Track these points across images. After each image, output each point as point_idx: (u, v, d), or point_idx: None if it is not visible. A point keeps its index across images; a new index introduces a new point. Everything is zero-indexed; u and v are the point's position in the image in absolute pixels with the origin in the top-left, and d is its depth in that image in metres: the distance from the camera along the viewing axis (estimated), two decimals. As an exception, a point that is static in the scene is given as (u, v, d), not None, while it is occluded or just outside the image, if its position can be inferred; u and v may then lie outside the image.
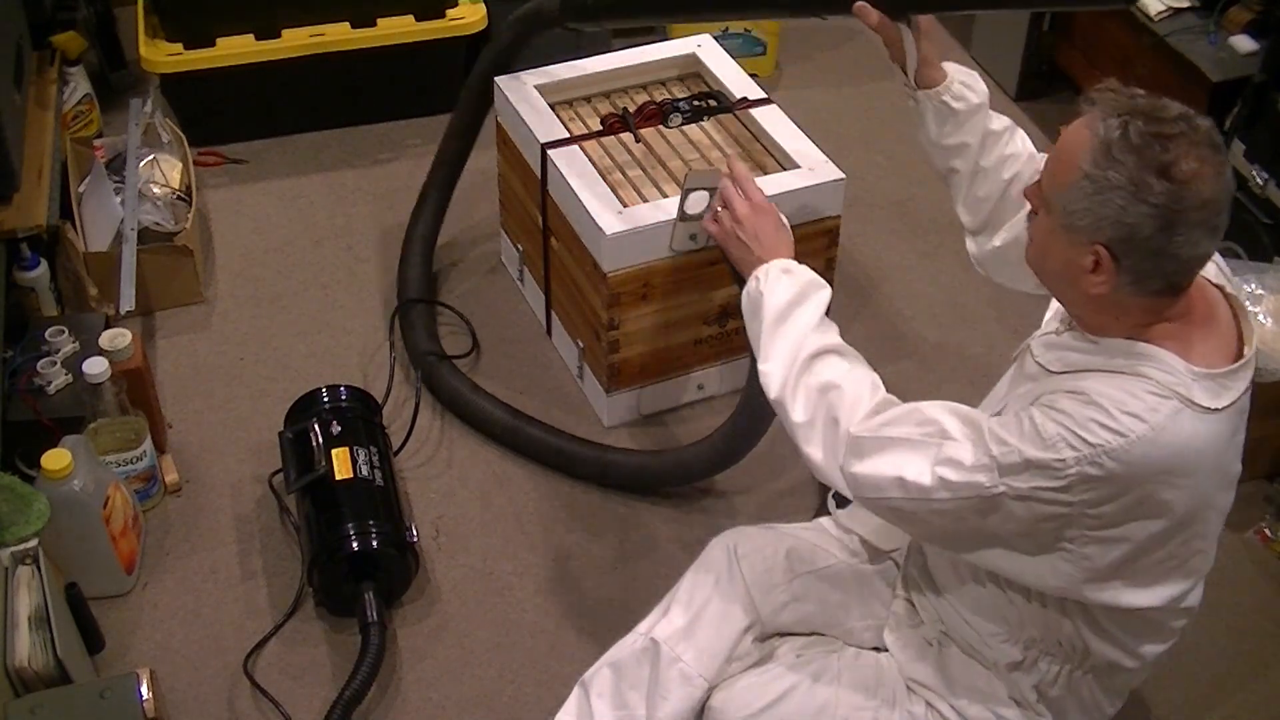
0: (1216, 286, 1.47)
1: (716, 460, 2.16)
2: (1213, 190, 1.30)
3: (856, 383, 1.55)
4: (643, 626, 1.72)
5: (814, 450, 1.54)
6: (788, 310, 1.65)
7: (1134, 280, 1.34)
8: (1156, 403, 1.34)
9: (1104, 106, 1.34)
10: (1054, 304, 1.60)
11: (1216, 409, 1.36)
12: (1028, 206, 1.49)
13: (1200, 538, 1.45)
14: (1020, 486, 1.36)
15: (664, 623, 1.69)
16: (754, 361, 1.70)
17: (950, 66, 1.80)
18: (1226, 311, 1.44)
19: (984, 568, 1.54)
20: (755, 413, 1.99)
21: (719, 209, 1.83)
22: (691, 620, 1.68)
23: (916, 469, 1.41)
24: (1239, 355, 1.40)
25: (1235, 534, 2.28)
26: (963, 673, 1.63)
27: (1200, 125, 1.32)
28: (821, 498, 2.29)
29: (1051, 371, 1.46)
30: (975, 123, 1.76)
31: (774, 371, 1.60)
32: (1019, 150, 1.77)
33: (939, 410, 1.45)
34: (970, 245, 1.84)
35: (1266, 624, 2.16)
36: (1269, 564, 2.25)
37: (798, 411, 1.56)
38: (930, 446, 1.42)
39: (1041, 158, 1.74)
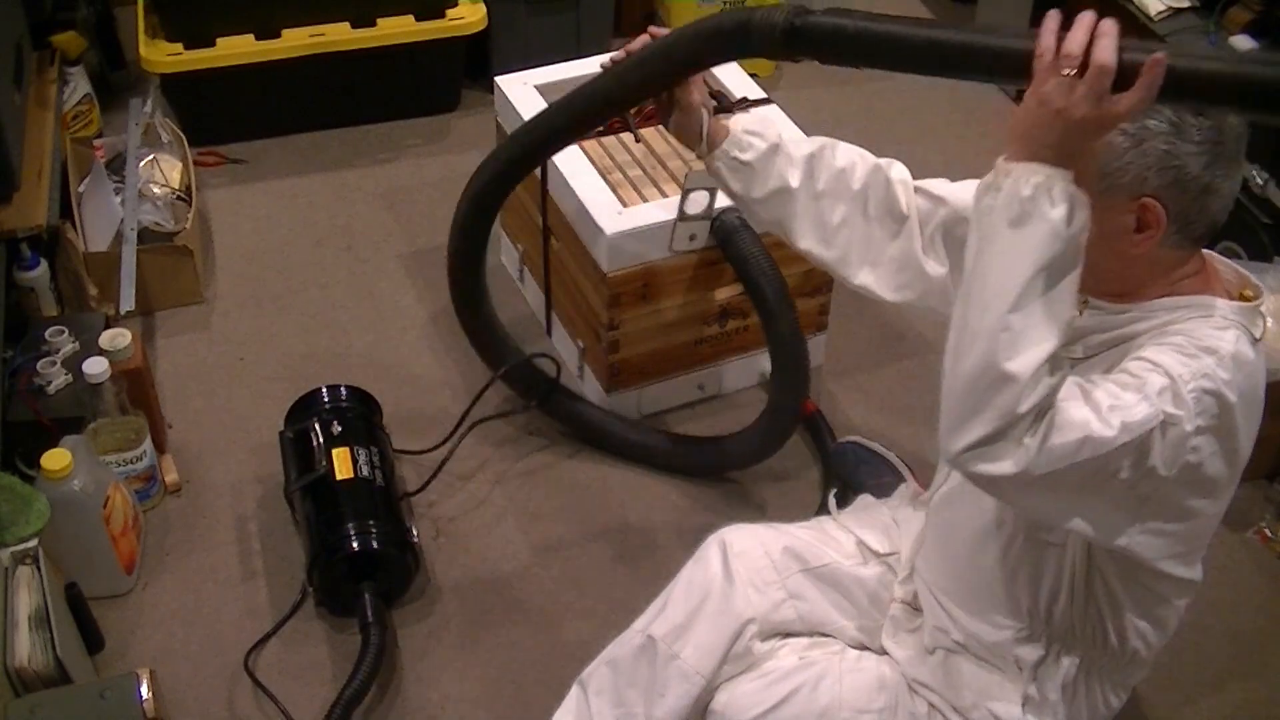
0: None
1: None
2: (1237, 120, 1.34)
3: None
4: (640, 623, 1.72)
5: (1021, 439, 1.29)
6: (1069, 265, 1.27)
7: (1180, 227, 1.36)
8: (1223, 331, 1.36)
9: None
10: None
11: (1258, 339, 1.40)
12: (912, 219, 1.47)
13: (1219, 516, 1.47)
14: (1170, 410, 1.30)
15: (661, 619, 1.69)
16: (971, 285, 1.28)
17: (735, 119, 1.73)
18: (1214, 265, 1.48)
19: (1072, 532, 1.44)
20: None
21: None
22: (689, 617, 1.67)
23: (1097, 424, 1.29)
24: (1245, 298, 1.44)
25: (1235, 534, 2.28)
26: (970, 677, 1.62)
27: None
28: (822, 497, 2.29)
29: (1081, 358, 1.46)
30: (777, 164, 1.69)
31: (1036, 336, 1.25)
32: (851, 160, 1.68)
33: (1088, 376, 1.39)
34: (869, 281, 1.71)
35: (1266, 624, 2.16)
36: (1269, 564, 2.25)
37: (1031, 399, 1.25)
38: (1082, 402, 1.29)
39: (889, 163, 1.68)
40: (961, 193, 1.66)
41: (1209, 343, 1.35)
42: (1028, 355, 1.24)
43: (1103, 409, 1.29)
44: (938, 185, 1.69)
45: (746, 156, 1.70)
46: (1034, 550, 1.53)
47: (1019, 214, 1.24)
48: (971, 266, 1.28)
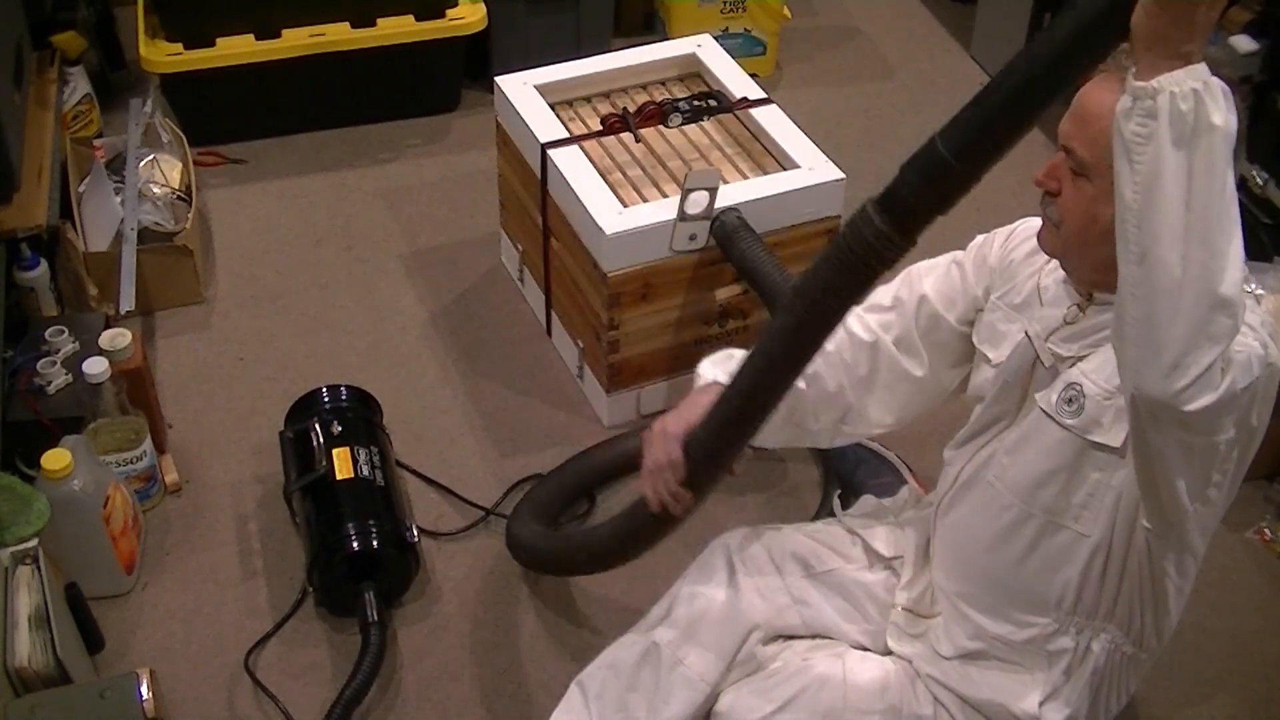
0: None
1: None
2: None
3: None
4: (643, 628, 1.71)
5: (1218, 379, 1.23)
6: (1232, 161, 1.19)
7: None
8: (1249, 318, 1.31)
9: (1122, 54, 1.29)
10: (1043, 305, 1.56)
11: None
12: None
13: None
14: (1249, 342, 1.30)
15: (665, 625, 1.68)
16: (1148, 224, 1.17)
17: None
18: None
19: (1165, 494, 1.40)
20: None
21: None
22: (693, 623, 1.67)
23: (1254, 341, 1.29)
24: None
25: (1235, 534, 2.28)
26: (988, 676, 1.62)
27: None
28: (822, 498, 2.29)
29: (1082, 356, 1.46)
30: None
31: (1233, 250, 1.19)
32: (821, 379, 1.67)
33: None
34: (888, 421, 1.72)
35: (1267, 624, 2.16)
36: (1269, 564, 2.25)
37: (1243, 313, 1.21)
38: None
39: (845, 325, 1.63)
40: (901, 289, 1.68)
41: (1248, 320, 1.31)
42: (1233, 272, 1.17)
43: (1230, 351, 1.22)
44: (880, 294, 1.69)
45: None
46: (1055, 541, 1.52)
47: (1185, 132, 1.13)
48: (1142, 201, 1.16)
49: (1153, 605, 1.55)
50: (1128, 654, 1.58)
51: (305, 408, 2.25)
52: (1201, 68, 1.12)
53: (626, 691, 1.67)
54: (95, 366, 2.09)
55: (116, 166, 2.73)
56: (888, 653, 1.71)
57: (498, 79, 2.53)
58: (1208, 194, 1.15)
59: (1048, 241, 1.48)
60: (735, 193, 2.26)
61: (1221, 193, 1.15)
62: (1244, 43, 2.75)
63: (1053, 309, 1.53)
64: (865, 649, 1.72)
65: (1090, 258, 1.45)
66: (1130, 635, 1.57)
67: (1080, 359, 1.47)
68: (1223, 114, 1.13)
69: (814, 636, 1.74)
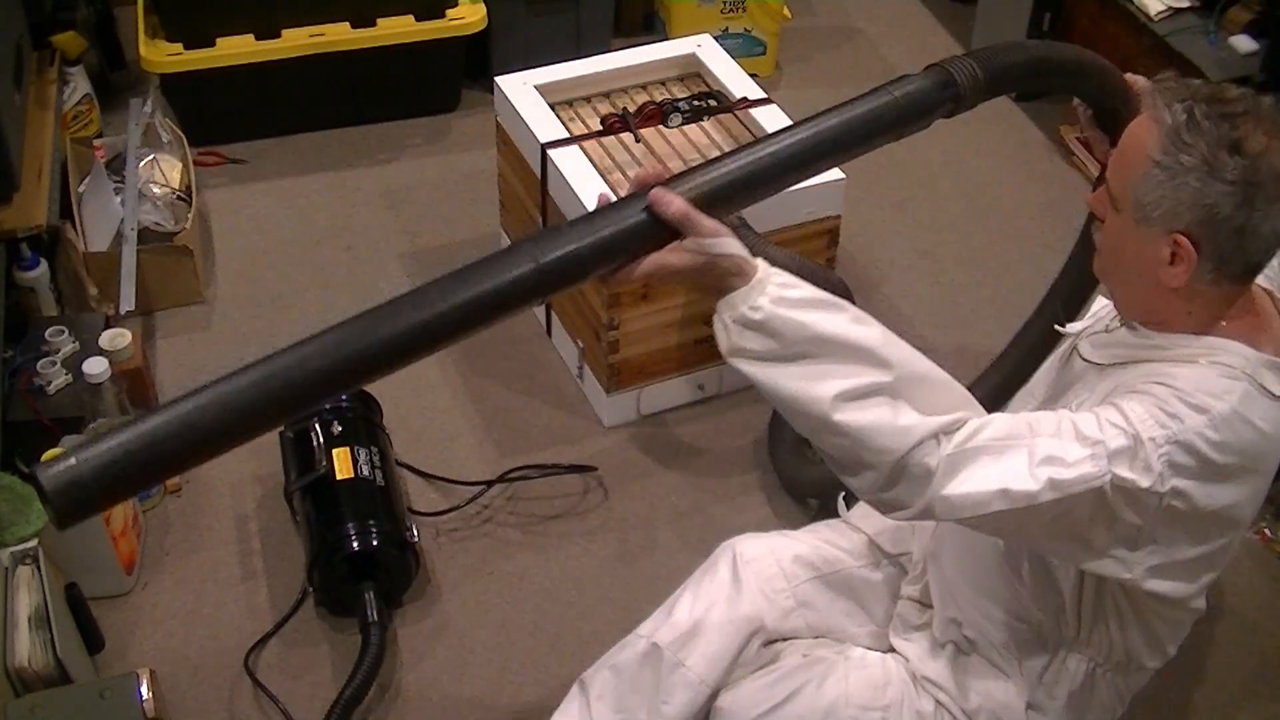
0: (1267, 292, 1.48)
1: None
2: None
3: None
4: (645, 629, 1.71)
5: (901, 490, 1.34)
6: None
7: (1216, 265, 1.33)
8: (1230, 385, 1.34)
9: (1165, 95, 1.34)
10: (1100, 299, 1.59)
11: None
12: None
13: (1245, 528, 1.46)
14: (1121, 474, 1.31)
15: (667, 627, 1.68)
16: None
17: None
18: (1274, 313, 1.45)
19: (1058, 561, 1.49)
20: None
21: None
22: (695, 625, 1.67)
23: (1017, 475, 1.32)
24: None
25: (1235, 534, 2.28)
26: (978, 679, 1.62)
27: (1263, 102, 1.33)
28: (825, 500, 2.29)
29: (1104, 365, 1.46)
30: None
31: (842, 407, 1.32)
32: None
33: (1015, 417, 1.37)
34: None
35: (1267, 624, 2.16)
36: (1269, 564, 2.25)
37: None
38: (1023, 449, 1.33)
39: None
40: None
41: (1201, 400, 1.32)
42: (841, 416, 1.29)
43: (1036, 459, 1.31)
44: None
45: None
46: (1039, 564, 1.53)
47: (730, 353, 1.32)
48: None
49: (1141, 636, 1.54)
50: (1108, 678, 1.58)
51: (305, 408, 2.25)
52: (733, 297, 1.29)
53: (627, 692, 1.67)
54: (95, 366, 2.09)
55: (116, 166, 2.73)
56: (890, 650, 1.71)
57: (498, 79, 2.53)
58: (772, 394, 1.31)
59: (1095, 263, 1.49)
60: (735, 193, 2.26)
61: (776, 395, 1.31)
62: (1244, 43, 2.76)
63: (1107, 313, 1.56)
64: (869, 649, 1.72)
65: (1118, 287, 1.47)
66: (1110, 663, 1.57)
67: (1103, 367, 1.46)
68: (752, 339, 1.29)
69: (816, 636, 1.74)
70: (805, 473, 2.27)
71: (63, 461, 1.12)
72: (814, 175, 1.49)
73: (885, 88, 1.49)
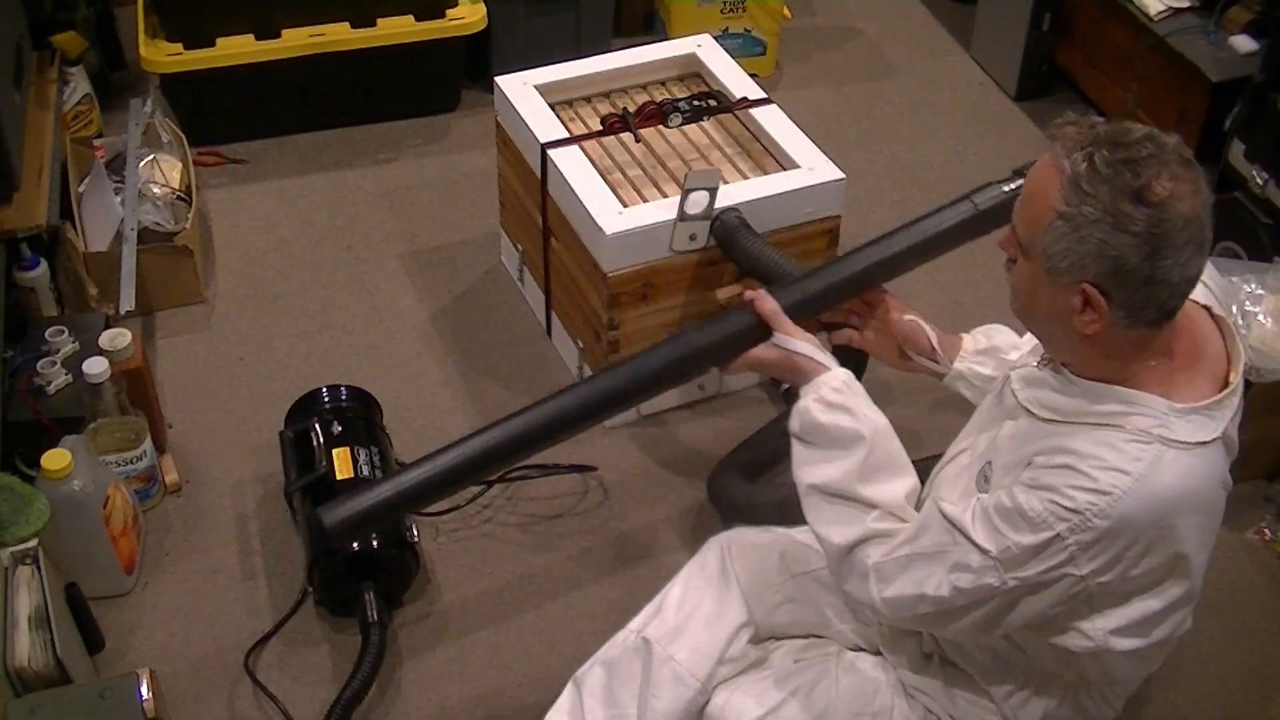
0: (1204, 308, 1.44)
1: None
2: (1191, 207, 1.26)
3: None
4: (635, 624, 1.72)
5: (853, 584, 1.53)
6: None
7: (1128, 314, 1.31)
8: (1138, 451, 1.31)
9: (1065, 142, 1.30)
10: (1030, 336, 1.58)
11: (1205, 442, 1.33)
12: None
13: (1202, 571, 1.44)
14: (1028, 575, 1.35)
15: (657, 621, 1.69)
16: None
17: (962, 337, 1.86)
18: (1215, 337, 1.42)
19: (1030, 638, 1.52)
20: None
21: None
22: (684, 620, 1.68)
23: (935, 581, 1.41)
24: (1228, 381, 1.38)
25: (1235, 534, 2.28)
26: (965, 689, 1.62)
27: (1167, 143, 1.28)
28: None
29: (1033, 414, 1.44)
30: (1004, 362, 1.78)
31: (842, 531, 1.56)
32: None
33: (941, 514, 1.42)
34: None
35: (1266, 624, 2.16)
36: (1269, 564, 2.25)
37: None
38: (942, 555, 1.40)
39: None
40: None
41: (1106, 482, 1.30)
42: (838, 535, 1.53)
43: (948, 565, 1.39)
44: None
45: (987, 371, 1.81)
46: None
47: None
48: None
49: (1080, 687, 1.55)
50: (1081, 702, 1.57)
51: (305, 407, 2.25)
52: (805, 387, 1.62)
53: (617, 687, 1.68)
54: (95, 366, 2.09)
55: (116, 166, 2.73)
56: (879, 652, 1.71)
57: (498, 79, 2.53)
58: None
59: (1011, 304, 1.45)
60: (735, 193, 2.26)
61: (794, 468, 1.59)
62: (1244, 43, 2.75)
63: (1037, 349, 1.54)
64: (859, 648, 1.73)
65: (1035, 330, 1.46)
66: (1081, 692, 1.56)
67: (1032, 416, 1.45)
68: (794, 419, 1.60)
69: (806, 636, 1.75)
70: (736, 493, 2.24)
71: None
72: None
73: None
